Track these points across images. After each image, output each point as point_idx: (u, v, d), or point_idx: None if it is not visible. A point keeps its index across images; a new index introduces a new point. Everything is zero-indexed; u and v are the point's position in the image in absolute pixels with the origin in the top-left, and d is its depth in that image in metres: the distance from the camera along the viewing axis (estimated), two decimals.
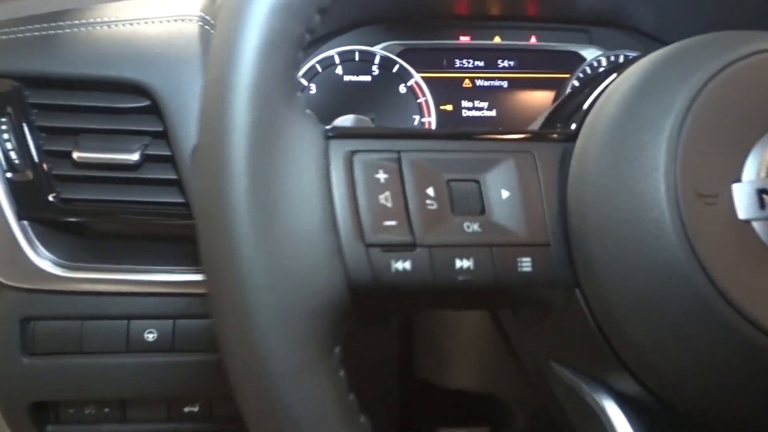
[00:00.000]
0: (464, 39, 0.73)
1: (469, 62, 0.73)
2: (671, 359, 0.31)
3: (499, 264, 0.31)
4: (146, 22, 0.55)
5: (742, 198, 0.30)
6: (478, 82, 0.73)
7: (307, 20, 0.31)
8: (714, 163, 0.30)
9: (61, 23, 0.54)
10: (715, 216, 0.30)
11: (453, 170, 0.32)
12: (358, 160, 0.31)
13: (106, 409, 0.58)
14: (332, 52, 0.69)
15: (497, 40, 0.74)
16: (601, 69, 0.73)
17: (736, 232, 0.30)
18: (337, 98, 0.69)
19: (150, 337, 0.55)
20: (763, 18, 0.68)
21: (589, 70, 0.73)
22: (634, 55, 0.73)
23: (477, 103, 0.72)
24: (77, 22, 0.54)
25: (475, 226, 0.32)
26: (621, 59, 0.74)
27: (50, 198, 0.53)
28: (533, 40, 0.74)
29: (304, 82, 0.68)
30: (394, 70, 0.70)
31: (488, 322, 0.47)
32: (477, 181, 0.32)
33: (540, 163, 0.33)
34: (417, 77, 0.70)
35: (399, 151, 0.32)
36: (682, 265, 0.29)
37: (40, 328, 0.54)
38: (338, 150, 0.31)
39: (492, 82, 0.73)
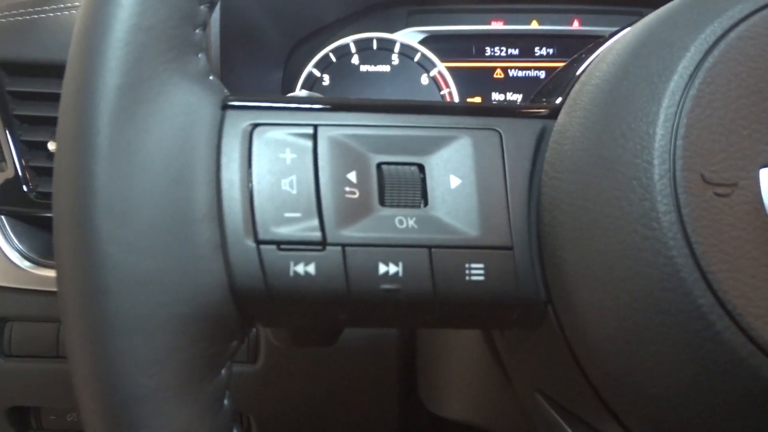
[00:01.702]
0: (496, 24, 0.65)
1: (501, 50, 0.65)
2: (664, 407, 0.23)
3: (440, 271, 0.24)
4: None
5: None
6: (512, 73, 0.65)
7: None
8: (732, 141, 0.22)
9: (45, 8, 0.51)
10: (730, 212, 0.22)
11: (387, 150, 0.25)
12: (258, 134, 0.25)
13: None
14: (347, 39, 0.63)
15: (534, 24, 0.65)
16: None
17: (760, 234, 0.21)
18: (353, 90, 0.63)
19: None
20: None
21: None
22: None
23: (509, 96, 0.65)
24: (62, 5, 0.51)
25: (411, 222, 0.25)
26: None
27: (26, 191, 0.50)
28: (576, 24, 0.66)
29: (317, 72, 0.63)
30: (416, 59, 0.63)
31: (483, 343, 0.40)
32: (419, 165, 0.25)
33: (508, 143, 0.26)
34: (441, 67, 0.63)
35: (316, 125, 0.25)
36: (680, 280, 0.21)
37: (17, 329, 0.51)
38: (236, 122, 0.25)
39: (527, 72, 0.65)
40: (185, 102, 0.24)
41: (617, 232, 0.22)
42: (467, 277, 0.24)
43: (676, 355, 0.22)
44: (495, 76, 0.65)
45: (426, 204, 0.25)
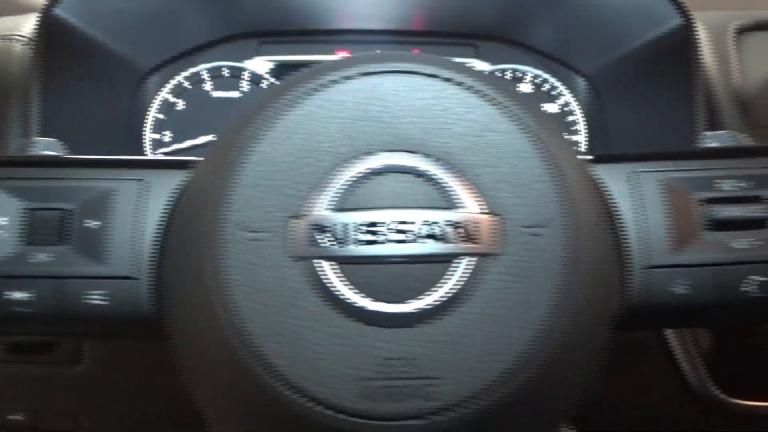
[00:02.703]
0: (341, 54, 0.71)
1: None
2: (224, 425, 0.28)
3: (70, 296, 0.30)
4: None
5: (295, 234, 0.27)
6: None
7: None
8: (270, 199, 0.28)
9: None
10: (261, 256, 0.27)
11: (39, 199, 0.31)
12: None
13: None
14: (200, 67, 0.69)
15: None
16: None
17: (280, 274, 0.27)
18: (205, 115, 0.69)
19: None
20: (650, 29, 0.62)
21: None
22: (524, 69, 0.69)
23: None
24: None
25: (48, 257, 0.30)
26: (508, 74, 0.69)
27: None
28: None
29: (171, 98, 0.68)
30: (263, 86, 0.69)
31: None
32: (66, 210, 0.31)
33: (150, 191, 0.32)
34: None
35: None
36: (218, 308, 0.27)
37: None
38: None
39: None
40: None
41: (189, 271, 0.28)
42: (89, 301, 0.30)
43: (223, 377, 0.27)
44: None
45: (67, 242, 0.31)
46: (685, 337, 0.59)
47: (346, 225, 0.27)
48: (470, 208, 0.28)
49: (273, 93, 0.30)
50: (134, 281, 0.30)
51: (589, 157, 0.33)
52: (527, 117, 0.29)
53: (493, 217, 0.27)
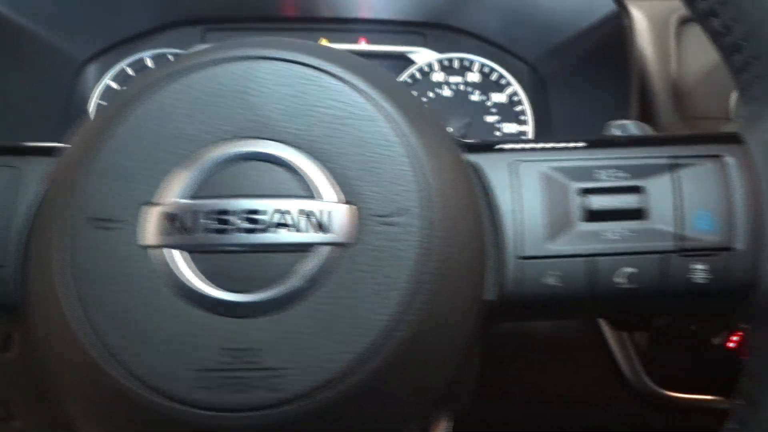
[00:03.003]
0: None
1: None
2: (73, 415, 0.28)
3: None
4: None
5: (146, 223, 0.27)
6: None
7: None
8: (122, 186, 0.27)
9: None
10: (113, 245, 0.27)
11: None
12: None
13: None
14: (144, 54, 0.68)
15: (323, 42, 0.70)
16: (433, 72, 0.69)
17: (135, 265, 0.26)
18: None
19: None
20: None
21: (418, 75, 0.68)
22: (471, 58, 0.68)
23: None
24: None
25: None
26: (455, 63, 0.69)
27: None
28: (363, 43, 0.70)
29: (114, 85, 0.68)
30: None
31: None
32: None
33: (26, 179, 0.31)
34: None
35: None
36: (62, 298, 0.26)
37: None
38: None
39: None
40: None
41: (42, 263, 0.28)
42: None
43: (69, 368, 0.27)
44: None
45: None
46: (622, 333, 0.58)
47: (196, 213, 0.27)
48: (327, 197, 0.27)
49: (133, 80, 0.29)
50: (0, 269, 0.30)
51: (469, 146, 0.32)
52: (392, 105, 0.28)
53: (350, 206, 0.27)
